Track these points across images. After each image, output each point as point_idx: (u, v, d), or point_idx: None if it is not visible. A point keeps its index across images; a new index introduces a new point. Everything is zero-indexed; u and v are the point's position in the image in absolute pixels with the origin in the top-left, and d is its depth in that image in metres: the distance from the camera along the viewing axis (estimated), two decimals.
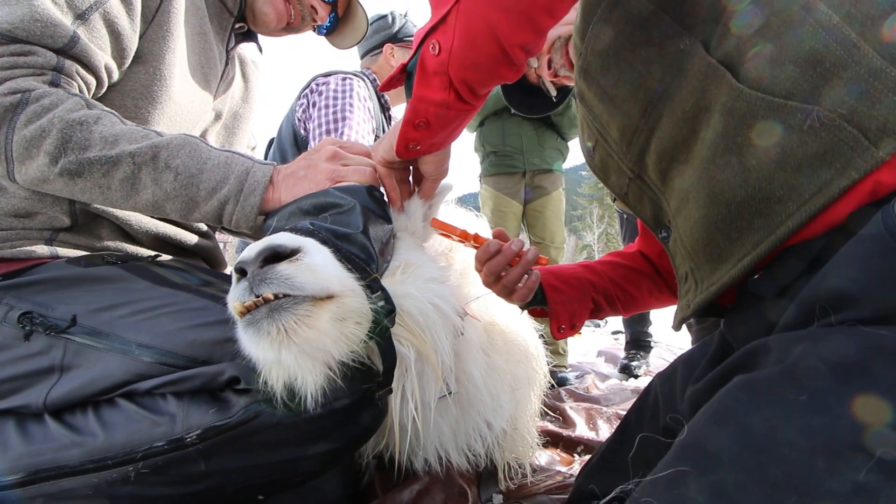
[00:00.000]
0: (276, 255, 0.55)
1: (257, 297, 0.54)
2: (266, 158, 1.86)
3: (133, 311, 0.74)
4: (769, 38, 0.57)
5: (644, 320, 2.78)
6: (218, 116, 1.15)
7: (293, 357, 0.54)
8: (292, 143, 1.73)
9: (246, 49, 1.32)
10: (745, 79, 0.58)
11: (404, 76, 0.75)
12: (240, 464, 0.65)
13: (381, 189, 0.86)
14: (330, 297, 0.57)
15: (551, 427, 1.67)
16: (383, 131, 1.84)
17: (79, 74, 0.83)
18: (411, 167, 0.90)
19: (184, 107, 0.99)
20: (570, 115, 2.54)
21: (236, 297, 0.54)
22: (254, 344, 0.55)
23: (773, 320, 0.53)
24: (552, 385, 2.15)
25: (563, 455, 1.53)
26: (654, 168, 0.73)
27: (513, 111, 2.58)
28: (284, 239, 0.56)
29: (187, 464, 0.64)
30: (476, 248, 0.96)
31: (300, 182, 0.82)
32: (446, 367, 0.73)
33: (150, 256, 0.89)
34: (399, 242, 0.82)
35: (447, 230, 0.91)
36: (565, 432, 1.62)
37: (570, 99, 2.54)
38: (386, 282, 0.69)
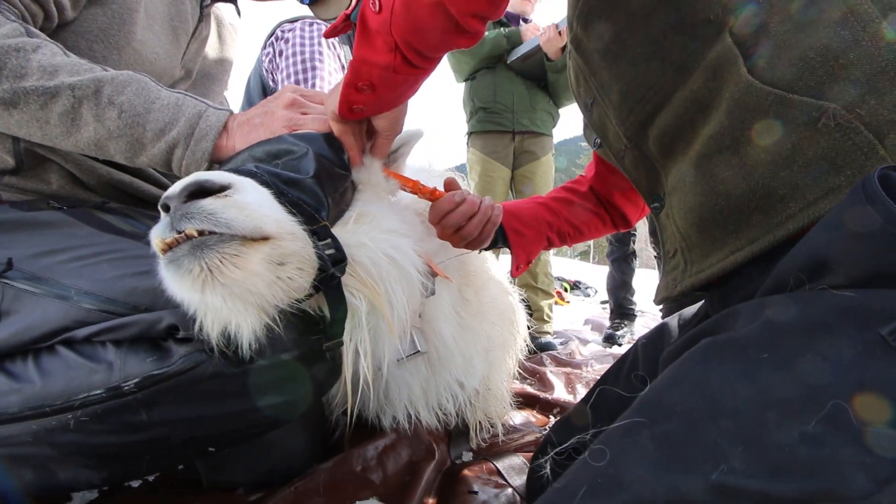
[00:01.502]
0: (202, 191, 0.51)
1: (179, 233, 0.50)
2: None
3: (74, 256, 0.70)
4: (781, 28, 0.52)
5: (627, 288, 2.77)
6: (188, 75, 1.09)
7: (220, 298, 0.51)
8: (261, 95, 1.64)
9: (225, 11, 1.24)
10: (754, 69, 0.54)
11: (349, 25, 0.67)
12: (183, 414, 0.63)
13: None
14: (265, 239, 0.53)
15: (529, 389, 1.68)
16: None
17: (22, 3, 0.77)
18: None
19: (145, 56, 0.93)
20: (566, 78, 2.43)
21: (157, 233, 0.51)
22: (175, 283, 0.51)
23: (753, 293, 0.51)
24: (533, 350, 2.17)
25: (539, 416, 1.53)
26: (656, 142, 0.68)
27: (507, 64, 2.47)
28: (214, 175, 0.52)
29: (128, 413, 0.62)
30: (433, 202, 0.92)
31: (256, 129, 0.78)
32: (402, 321, 0.70)
33: (98, 202, 0.85)
34: (360, 195, 0.78)
35: (400, 181, 0.87)
36: (542, 394, 1.63)
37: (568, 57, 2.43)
38: (337, 230, 0.65)
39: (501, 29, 2.48)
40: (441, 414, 1.13)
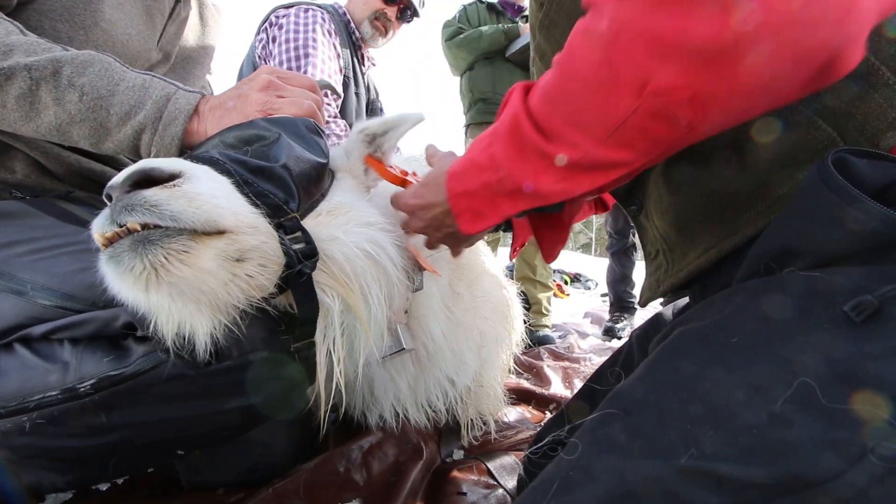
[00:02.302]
0: (149, 179, 0.46)
1: (120, 226, 0.45)
2: None
3: (32, 249, 0.66)
4: None
5: (627, 281, 2.73)
6: (166, 58, 1.04)
7: (168, 298, 0.46)
8: None
9: None
10: None
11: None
12: (145, 417, 0.60)
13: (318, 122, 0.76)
14: (220, 233, 0.49)
15: (525, 384, 1.65)
16: (353, 71, 1.68)
17: None
18: None
19: (116, 38, 0.88)
20: None
21: (98, 226, 0.46)
22: (117, 281, 0.47)
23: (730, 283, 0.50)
24: (531, 344, 2.13)
25: (535, 412, 1.50)
26: None
27: (506, 56, 2.42)
28: (163, 162, 0.48)
29: (86, 415, 0.59)
30: None
31: (228, 113, 0.73)
32: (379, 320, 0.66)
33: (63, 192, 0.80)
34: (338, 184, 0.74)
35: (378, 170, 0.80)
36: (539, 390, 1.59)
37: None
38: (309, 223, 0.61)
39: (500, 25, 2.43)
40: (431, 411, 1.10)
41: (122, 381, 0.56)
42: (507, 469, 1.08)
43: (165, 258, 0.45)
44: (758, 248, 0.45)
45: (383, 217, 0.74)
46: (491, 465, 1.07)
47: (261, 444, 0.90)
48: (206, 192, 0.48)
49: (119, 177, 0.46)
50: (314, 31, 1.51)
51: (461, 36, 2.43)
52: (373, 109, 1.88)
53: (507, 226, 1.01)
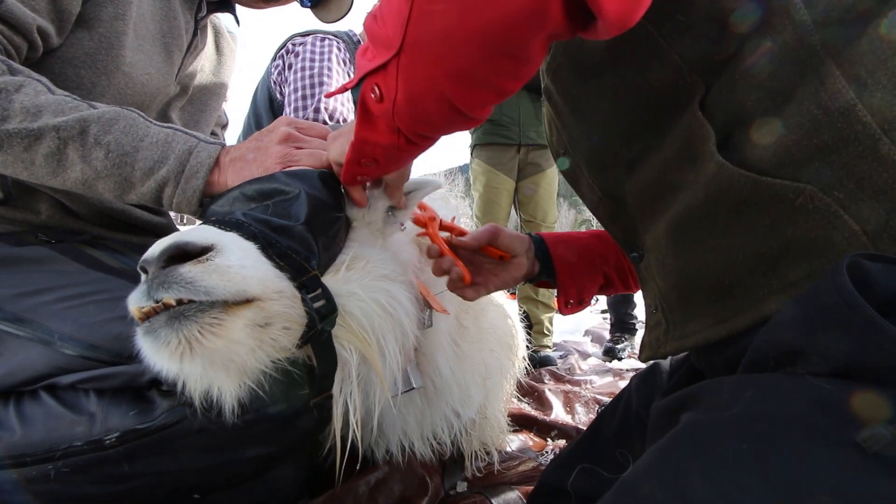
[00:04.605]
0: (183, 254, 0.49)
1: (157, 302, 0.48)
2: (243, 124, 1.76)
3: (59, 297, 0.68)
4: (759, 107, 0.50)
5: (629, 302, 2.74)
6: (184, 90, 1.06)
7: (200, 368, 0.49)
8: (268, 108, 1.63)
9: (223, 20, 1.21)
10: (727, 150, 0.51)
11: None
12: (167, 467, 0.62)
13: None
14: (248, 302, 0.51)
15: (527, 410, 1.66)
16: None
17: (4, 36, 0.75)
18: None
19: (137, 79, 0.90)
20: None
21: (134, 300, 0.49)
22: (153, 354, 0.49)
23: (737, 356, 0.50)
24: (532, 366, 2.15)
25: (536, 440, 1.51)
26: (634, 197, 0.64)
27: None
28: (195, 235, 0.50)
29: (110, 465, 0.61)
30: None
31: (249, 165, 0.75)
32: (394, 370, 0.68)
33: (88, 236, 0.83)
34: (354, 234, 0.76)
35: (431, 237, 0.84)
36: (540, 416, 1.61)
37: None
38: (328, 279, 0.63)
39: None
40: (436, 444, 1.11)
41: (147, 434, 0.58)
42: None
43: (199, 332, 0.47)
44: (767, 339, 0.45)
45: (396, 265, 0.76)
46: (495, 501, 1.08)
47: (269, 478, 0.91)
48: (237, 263, 0.50)
49: (154, 251, 0.48)
50: (329, 59, 1.55)
51: None
52: None
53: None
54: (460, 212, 1.23)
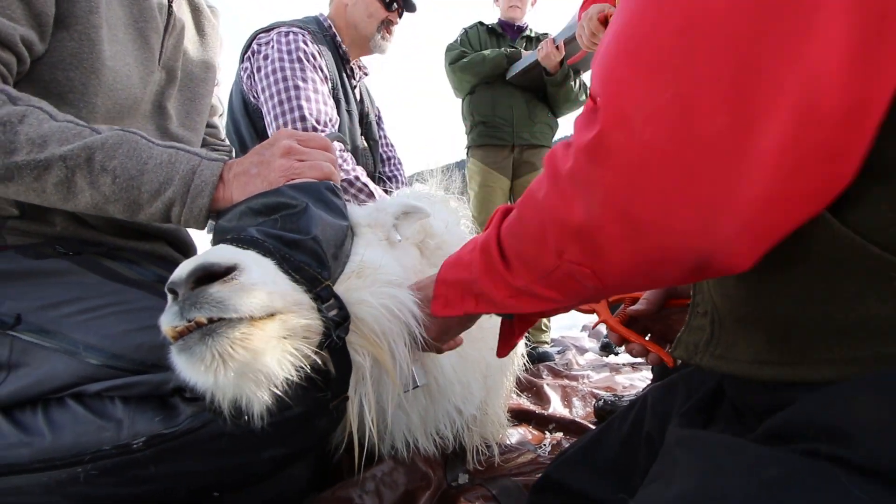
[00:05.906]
0: (209, 275, 0.52)
1: (189, 321, 0.51)
2: (224, 128, 1.68)
3: (81, 309, 0.71)
4: None
5: None
6: (171, 76, 1.03)
7: (232, 382, 0.52)
8: (243, 112, 1.57)
9: None
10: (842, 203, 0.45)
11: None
12: (191, 468, 0.66)
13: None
14: (272, 316, 0.55)
15: (525, 404, 1.71)
16: (342, 88, 1.65)
17: None
18: None
19: (120, 72, 0.88)
20: (567, 90, 2.43)
21: (168, 321, 0.52)
22: (189, 370, 0.53)
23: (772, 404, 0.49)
24: (530, 362, 2.20)
25: (535, 432, 1.56)
26: None
27: (506, 79, 2.48)
28: (219, 256, 0.53)
29: (137, 467, 0.64)
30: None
31: (253, 180, 0.77)
32: (404, 371, 0.72)
33: (104, 248, 0.85)
34: (358, 239, 0.79)
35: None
36: (538, 409, 1.66)
37: (569, 72, 2.42)
38: (340, 288, 0.67)
39: (502, 49, 2.49)
40: (439, 439, 1.16)
41: (173, 438, 0.62)
42: (511, 494, 1.14)
43: (231, 347, 0.51)
44: (812, 408, 0.42)
45: (400, 270, 0.80)
46: (495, 491, 1.13)
47: (287, 475, 0.95)
48: (259, 280, 0.54)
49: (182, 273, 0.52)
50: (299, 59, 1.49)
51: (465, 60, 2.49)
52: (367, 122, 1.84)
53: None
54: (461, 214, 1.25)
